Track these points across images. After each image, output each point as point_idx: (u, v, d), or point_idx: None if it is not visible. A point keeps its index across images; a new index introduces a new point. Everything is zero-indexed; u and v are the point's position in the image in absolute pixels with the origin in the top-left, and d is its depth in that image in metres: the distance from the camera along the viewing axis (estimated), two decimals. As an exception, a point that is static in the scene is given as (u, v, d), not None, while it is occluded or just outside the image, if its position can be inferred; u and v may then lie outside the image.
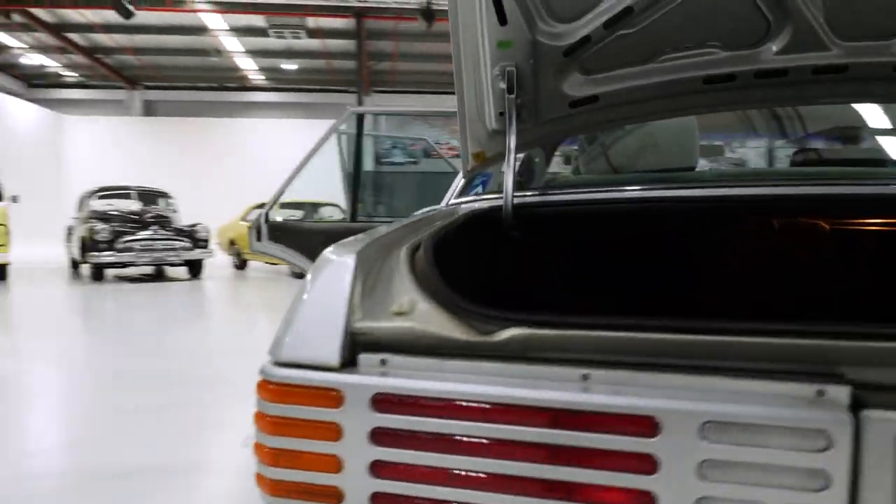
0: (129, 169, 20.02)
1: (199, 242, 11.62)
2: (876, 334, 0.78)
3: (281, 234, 3.02)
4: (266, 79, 22.59)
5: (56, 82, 23.05)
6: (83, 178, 18.26)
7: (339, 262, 0.91)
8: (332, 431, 0.84)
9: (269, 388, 0.86)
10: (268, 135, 21.81)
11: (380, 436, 0.83)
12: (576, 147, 2.39)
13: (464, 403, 0.80)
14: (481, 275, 1.64)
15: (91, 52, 19.38)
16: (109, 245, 10.84)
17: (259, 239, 3.05)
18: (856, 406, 0.73)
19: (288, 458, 0.86)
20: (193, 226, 11.65)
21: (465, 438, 0.80)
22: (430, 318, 0.88)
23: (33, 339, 6.29)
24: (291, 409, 0.86)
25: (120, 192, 12.66)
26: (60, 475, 2.80)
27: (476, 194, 1.88)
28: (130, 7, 13.64)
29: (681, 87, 1.57)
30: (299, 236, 2.98)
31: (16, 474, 2.75)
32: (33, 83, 22.90)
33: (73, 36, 18.04)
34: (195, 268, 11.74)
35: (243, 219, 13.23)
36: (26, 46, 19.01)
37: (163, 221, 11.72)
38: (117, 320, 7.47)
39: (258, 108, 23.30)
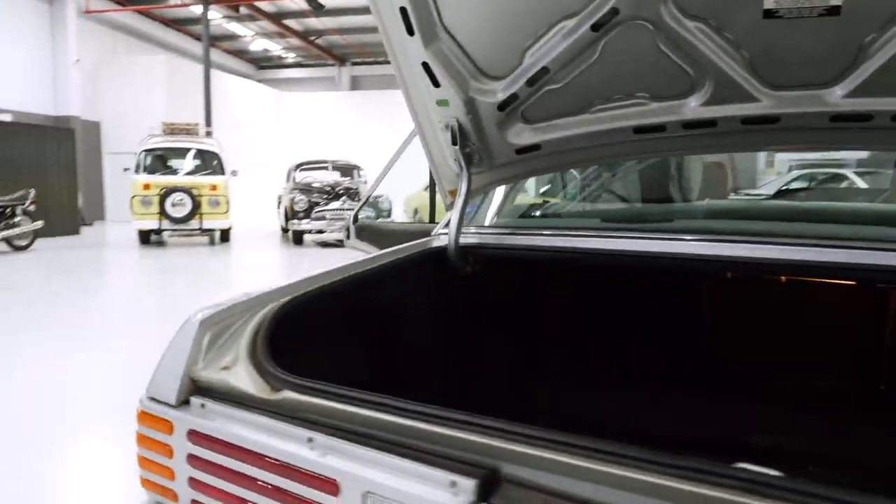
0: (333, 139, 22.12)
1: (382, 213, 12.67)
2: (523, 435, 0.89)
3: (366, 233, 3.40)
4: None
5: (279, 63, 26.05)
6: (297, 150, 20.62)
7: (189, 324, 1.20)
8: (168, 451, 1.15)
9: (139, 413, 1.20)
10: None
11: (192, 459, 1.12)
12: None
13: (238, 445, 1.06)
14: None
15: (305, 35, 21.59)
16: (306, 214, 12.31)
17: (349, 237, 3.46)
18: (483, 497, 0.86)
19: (149, 465, 1.19)
20: (378, 197, 12.71)
21: (238, 471, 1.07)
22: (241, 375, 1.14)
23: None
24: (148, 430, 1.18)
25: (319, 165, 14.20)
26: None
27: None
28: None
29: (614, 136, 1.60)
30: (381, 235, 3.34)
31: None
32: (261, 66, 26.12)
33: (290, 22, 20.22)
34: (378, 235, 12.84)
35: (426, 189, 14.10)
36: (252, 34, 21.71)
37: (352, 193, 12.93)
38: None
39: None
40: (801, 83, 1.37)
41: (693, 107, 1.48)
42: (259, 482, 1.04)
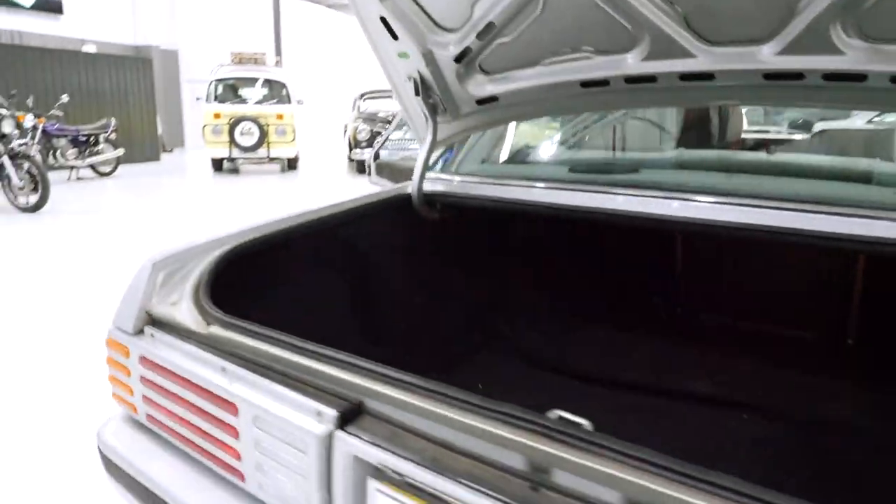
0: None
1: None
2: (384, 375, 1.01)
3: (386, 171, 3.52)
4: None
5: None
6: (365, 78, 20.65)
7: (144, 265, 1.38)
8: (126, 371, 1.35)
9: (107, 339, 1.40)
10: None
11: (143, 380, 1.32)
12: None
13: (173, 370, 1.24)
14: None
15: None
16: (368, 143, 12.50)
17: (370, 174, 3.60)
18: (341, 426, 1.00)
19: (115, 382, 1.40)
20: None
21: (173, 392, 1.25)
22: (183, 311, 1.31)
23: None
24: (113, 353, 1.38)
25: (382, 95, 14.25)
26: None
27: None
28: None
29: (564, 89, 1.63)
30: (399, 172, 3.46)
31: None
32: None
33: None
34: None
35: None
36: (324, -42, 21.49)
37: (413, 122, 12.99)
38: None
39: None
40: (734, 40, 1.35)
41: (633, 62, 1.48)
42: (187, 401, 1.23)
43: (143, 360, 1.31)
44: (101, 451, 1.41)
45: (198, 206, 8.96)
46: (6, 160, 7.34)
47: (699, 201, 1.57)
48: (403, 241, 1.94)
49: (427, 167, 1.86)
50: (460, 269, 2.03)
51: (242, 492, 1.16)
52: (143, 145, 13.81)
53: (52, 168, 10.54)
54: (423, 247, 1.96)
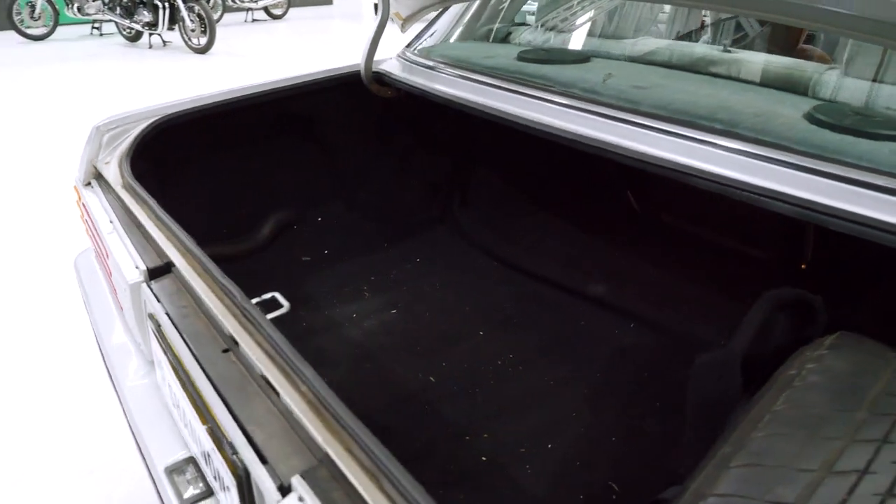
0: None
1: None
2: (185, 244, 1.20)
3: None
4: None
5: None
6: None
7: (91, 129, 1.64)
8: (81, 213, 1.68)
9: (74, 186, 1.73)
10: None
11: (86, 221, 1.64)
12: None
13: (96, 216, 1.55)
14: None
15: None
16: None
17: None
18: (147, 279, 1.22)
19: (82, 221, 1.75)
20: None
21: (95, 230, 1.56)
22: (113, 168, 1.57)
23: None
24: (76, 198, 1.72)
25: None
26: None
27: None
28: None
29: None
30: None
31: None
32: None
33: None
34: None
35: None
36: None
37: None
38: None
39: None
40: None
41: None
42: (96, 244, 1.54)
43: (85, 206, 1.63)
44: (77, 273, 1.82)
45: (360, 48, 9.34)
46: (180, 3, 8.12)
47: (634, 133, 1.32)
48: (358, 116, 2.03)
49: (376, 43, 1.90)
50: (416, 146, 2.10)
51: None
52: (317, -12, 14.30)
53: (231, 10, 11.41)
54: (378, 123, 2.05)
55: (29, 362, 2.41)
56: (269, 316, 1.13)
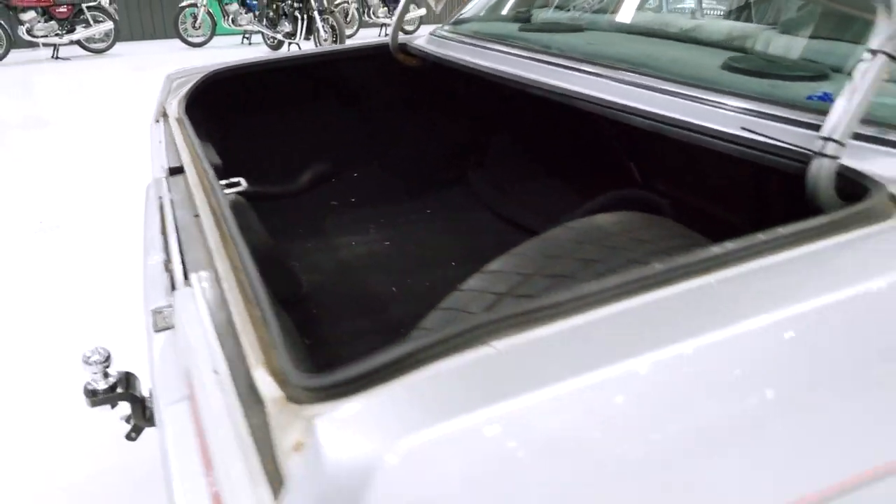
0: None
1: None
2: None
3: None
4: None
5: None
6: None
7: (165, 78, 2.00)
8: (152, 147, 2.06)
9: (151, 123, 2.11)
10: None
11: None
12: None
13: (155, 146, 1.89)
14: None
15: None
16: None
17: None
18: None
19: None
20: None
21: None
22: (171, 110, 1.92)
23: None
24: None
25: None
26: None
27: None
28: None
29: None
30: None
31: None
32: None
33: None
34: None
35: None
36: None
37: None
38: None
39: None
40: None
41: None
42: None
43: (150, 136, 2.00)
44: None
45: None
46: (316, 15, 8.91)
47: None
48: (388, 84, 2.28)
49: (402, 17, 2.14)
50: (439, 113, 2.31)
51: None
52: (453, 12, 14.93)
53: (366, 25, 12.26)
54: (406, 90, 2.28)
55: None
56: (231, 190, 1.39)
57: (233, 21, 10.08)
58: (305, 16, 9.07)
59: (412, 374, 0.52)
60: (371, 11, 11.87)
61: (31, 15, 8.72)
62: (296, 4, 9.14)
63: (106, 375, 1.21)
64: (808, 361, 0.60)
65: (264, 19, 9.72)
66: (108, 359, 1.18)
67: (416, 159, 2.35)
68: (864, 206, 0.77)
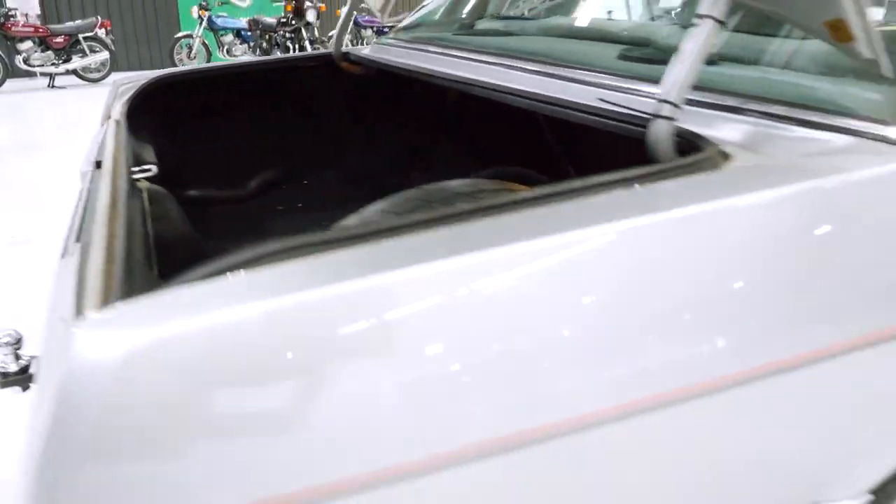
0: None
1: None
2: None
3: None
4: None
5: None
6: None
7: (112, 84, 2.06)
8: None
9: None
10: None
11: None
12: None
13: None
14: None
15: None
16: None
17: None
18: None
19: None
20: None
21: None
22: (115, 112, 1.98)
23: None
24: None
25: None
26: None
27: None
28: None
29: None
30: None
31: None
32: None
33: None
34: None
35: None
36: None
37: None
38: None
39: None
40: None
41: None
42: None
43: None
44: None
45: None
46: (307, 45, 9.10)
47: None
48: (333, 91, 2.34)
49: (345, 27, 2.20)
50: (383, 118, 2.37)
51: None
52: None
53: (360, 55, 12.49)
54: (351, 98, 2.34)
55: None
56: (141, 175, 1.43)
57: (227, 51, 10.29)
58: (297, 46, 9.26)
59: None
60: (364, 42, 12.11)
61: (28, 45, 8.91)
62: (288, 35, 9.35)
63: (17, 357, 1.23)
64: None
65: (258, 49, 9.92)
66: (19, 341, 1.19)
67: (363, 165, 2.40)
68: (695, 158, 0.80)
